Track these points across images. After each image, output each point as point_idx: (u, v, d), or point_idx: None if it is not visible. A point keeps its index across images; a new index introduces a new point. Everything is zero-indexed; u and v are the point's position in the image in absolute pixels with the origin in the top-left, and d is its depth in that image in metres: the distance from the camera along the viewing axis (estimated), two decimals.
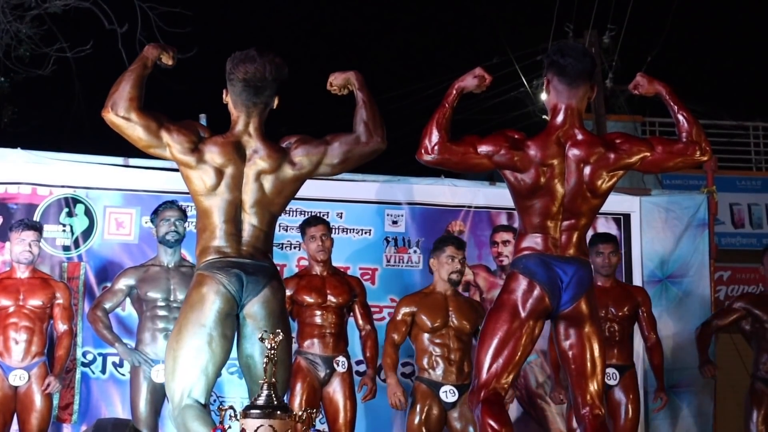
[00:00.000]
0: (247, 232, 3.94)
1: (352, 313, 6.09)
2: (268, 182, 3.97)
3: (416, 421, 5.67)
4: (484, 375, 3.96)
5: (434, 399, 5.69)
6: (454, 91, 4.07)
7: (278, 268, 6.32)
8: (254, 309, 3.85)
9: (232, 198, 3.93)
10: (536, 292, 3.97)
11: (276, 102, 4.05)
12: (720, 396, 6.94)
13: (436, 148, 3.97)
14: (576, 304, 3.99)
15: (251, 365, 3.84)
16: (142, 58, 4.03)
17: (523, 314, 3.97)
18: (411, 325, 5.85)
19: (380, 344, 6.09)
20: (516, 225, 6.79)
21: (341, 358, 5.87)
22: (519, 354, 3.97)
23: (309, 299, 5.87)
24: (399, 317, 5.85)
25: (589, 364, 4.00)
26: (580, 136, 4.04)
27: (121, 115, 3.86)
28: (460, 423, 5.69)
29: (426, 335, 5.79)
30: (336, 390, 5.84)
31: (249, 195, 3.95)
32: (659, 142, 4.10)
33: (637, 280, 7.00)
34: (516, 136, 4.06)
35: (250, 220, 3.94)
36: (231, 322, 3.85)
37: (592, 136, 4.14)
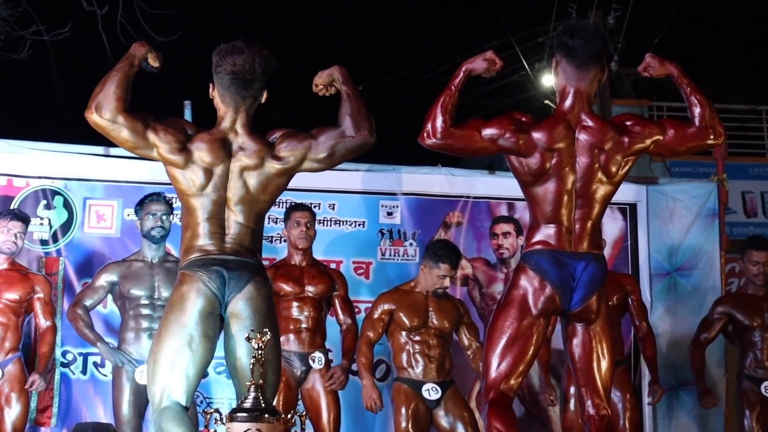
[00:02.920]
0: (231, 229, 3.95)
1: (332, 307, 6.07)
2: (252, 178, 3.97)
3: (404, 424, 5.68)
4: (492, 375, 3.96)
5: (417, 398, 5.71)
6: (462, 74, 4.06)
7: (267, 262, 6.39)
8: (238, 307, 3.86)
9: (217, 197, 3.95)
10: (547, 291, 3.97)
11: (264, 96, 4.07)
12: (731, 393, 6.94)
13: (439, 132, 3.97)
14: (587, 304, 4.00)
15: (238, 366, 3.84)
16: (128, 56, 4.02)
17: (533, 312, 3.97)
18: (388, 323, 5.86)
19: None
20: (516, 216, 6.81)
21: (317, 354, 5.86)
22: (529, 353, 3.97)
23: (286, 288, 5.85)
24: (376, 315, 5.86)
25: (595, 364, 4.00)
26: (589, 121, 4.04)
27: (106, 118, 3.86)
28: (447, 420, 5.72)
29: (404, 332, 5.81)
30: (314, 388, 5.83)
31: (233, 192, 3.96)
32: (672, 125, 4.11)
33: (643, 273, 7.00)
34: (522, 119, 4.06)
35: (235, 217, 3.95)
36: (213, 322, 3.85)
37: (602, 120, 4.14)
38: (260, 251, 4.06)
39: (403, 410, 5.71)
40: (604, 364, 4.02)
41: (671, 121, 4.18)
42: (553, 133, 4.01)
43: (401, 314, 5.80)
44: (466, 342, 5.95)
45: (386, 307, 5.86)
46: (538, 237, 4.04)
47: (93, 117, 3.87)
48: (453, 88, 4.03)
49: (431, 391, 5.72)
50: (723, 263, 7.15)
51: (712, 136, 4.06)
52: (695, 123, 4.07)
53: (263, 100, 4.08)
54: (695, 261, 7.10)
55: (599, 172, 4.01)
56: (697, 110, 4.07)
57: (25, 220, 5.92)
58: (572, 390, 5.85)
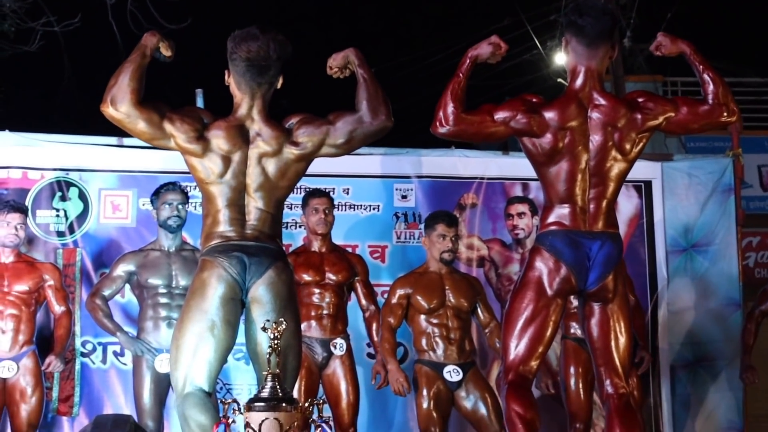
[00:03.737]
0: (252, 215, 3.97)
1: (354, 293, 6.10)
2: (271, 165, 3.99)
3: (425, 405, 5.70)
4: (510, 357, 3.98)
5: (439, 380, 5.74)
6: (468, 60, 4.08)
7: (284, 247, 6.41)
8: (259, 292, 3.88)
9: (237, 183, 3.97)
10: (563, 272, 3.98)
11: (280, 81, 4.07)
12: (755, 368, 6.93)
13: (450, 119, 3.99)
14: (603, 283, 4.00)
15: (258, 352, 3.86)
16: (140, 47, 4.02)
17: (549, 293, 3.98)
18: (407, 307, 5.87)
19: None
20: (531, 196, 6.81)
21: (339, 341, 5.88)
22: (546, 334, 3.99)
23: (306, 277, 5.88)
24: (394, 300, 5.88)
25: (613, 343, 4.01)
26: (601, 99, 4.04)
27: (122, 111, 3.88)
28: (469, 402, 5.74)
29: (423, 316, 5.83)
30: (335, 374, 5.86)
31: (252, 179, 3.98)
32: (684, 102, 4.10)
33: (659, 250, 6.98)
34: (533, 100, 4.07)
35: (255, 203, 3.97)
36: (234, 307, 3.88)
37: (614, 97, 4.15)
38: (280, 237, 4.08)
39: (425, 392, 5.73)
40: (622, 342, 4.02)
41: (684, 98, 4.19)
42: (565, 112, 4.02)
43: (418, 297, 5.82)
44: (483, 319, 5.96)
45: (403, 291, 5.88)
46: (552, 218, 4.05)
47: (109, 110, 3.89)
48: (461, 75, 4.05)
49: (452, 373, 5.74)
50: (739, 238, 7.11)
51: (725, 114, 4.06)
52: (708, 101, 4.06)
53: (279, 86, 4.08)
54: (712, 237, 7.07)
55: (613, 150, 4.02)
56: (710, 88, 4.06)
57: (22, 211, 5.93)
58: (571, 370, 5.84)
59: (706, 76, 4.08)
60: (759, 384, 6.54)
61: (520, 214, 6.68)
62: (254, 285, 3.89)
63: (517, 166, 6.80)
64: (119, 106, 3.87)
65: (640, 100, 4.10)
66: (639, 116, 4.03)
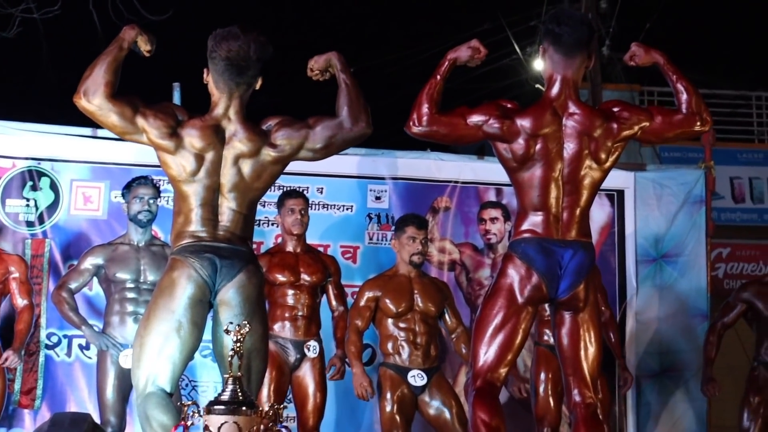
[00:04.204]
0: (224, 216, 3.94)
1: (325, 293, 6.06)
2: (246, 166, 3.95)
3: (388, 408, 5.67)
4: (479, 363, 3.96)
5: (403, 384, 5.71)
6: (447, 62, 4.08)
7: (255, 245, 6.36)
8: (229, 295, 3.85)
9: (211, 182, 3.93)
10: (534, 279, 3.96)
11: (259, 83, 4.04)
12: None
13: (424, 119, 3.99)
14: (574, 292, 3.99)
15: (224, 354, 3.81)
16: (118, 39, 3.97)
17: (520, 300, 3.96)
18: (375, 310, 5.84)
19: None
20: (504, 201, 6.79)
21: (312, 343, 5.85)
22: (516, 342, 3.97)
23: (281, 278, 5.84)
24: (362, 303, 5.85)
25: (583, 352, 3.99)
26: (576, 108, 4.04)
27: (94, 103, 3.84)
28: (432, 407, 5.71)
29: (390, 320, 5.80)
30: (306, 375, 5.82)
31: (227, 179, 3.94)
32: (659, 112, 4.12)
33: (630, 259, 7.01)
34: (508, 105, 4.07)
35: (228, 204, 3.94)
36: (202, 309, 3.85)
37: (590, 107, 4.16)
38: (251, 238, 4.05)
39: (389, 395, 5.70)
40: (592, 352, 4.01)
41: (659, 108, 4.20)
42: (539, 119, 4.01)
43: (387, 300, 5.79)
44: (450, 324, 5.94)
45: (371, 294, 5.84)
46: (525, 225, 4.04)
47: (81, 102, 3.85)
48: (438, 76, 4.05)
49: (417, 378, 5.71)
50: (709, 250, 7.14)
51: (698, 123, 4.08)
52: (682, 110, 4.08)
53: (257, 87, 4.05)
54: (681, 248, 7.10)
55: (588, 159, 4.01)
56: (683, 97, 4.08)
57: None
58: (542, 376, 5.84)
59: (679, 86, 4.10)
60: (725, 395, 6.55)
61: (493, 219, 6.66)
62: (224, 288, 3.85)
63: (491, 171, 6.78)
64: (92, 98, 3.83)
65: (615, 109, 4.10)
66: (614, 125, 4.03)
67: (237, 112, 3.98)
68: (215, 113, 3.98)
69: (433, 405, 5.70)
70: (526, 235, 4.02)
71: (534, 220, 4.01)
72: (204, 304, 3.84)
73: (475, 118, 4.01)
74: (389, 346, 5.79)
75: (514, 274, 3.99)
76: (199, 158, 3.91)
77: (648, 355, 6.79)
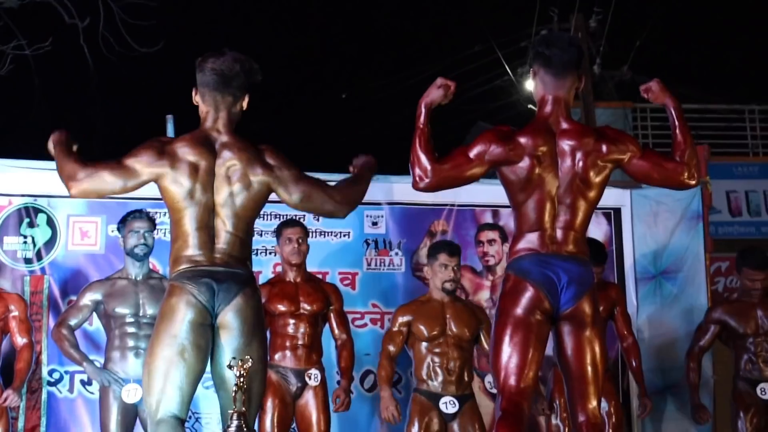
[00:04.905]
0: (221, 238, 3.96)
1: (327, 322, 6.06)
2: (236, 176, 3.99)
3: None
4: (501, 385, 3.94)
5: (434, 411, 5.72)
6: (423, 109, 4.09)
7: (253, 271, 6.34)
8: (227, 318, 3.87)
9: (206, 200, 3.96)
10: (531, 292, 3.94)
11: (245, 101, 4.09)
12: (719, 396, 6.95)
13: (429, 172, 4.00)
14: (577, 304, 3.96)
15: (225, 377, 3.83)
16: (55, 146, 4.13)
17: (522, 315, 3.94)
18: (408, 335, 5.85)
19: (357, 353, 6.11)
20: (501, 223, 6.81)
21: (313, 371, 5.84)
22: (531, 356, 3.92)
23: (281, 308, 5.84)
24: (395, 328, 5.88)
25: (590, 370, 3.96)
26: (569, 126, 4.06)
27: (81, 179, 3.96)
28: None
29: (424, 344, 5.81)
30: (308, 404, 5.81)
31: (221, 195, 3.98)
32: (653, 153, 4.16)
33: (629, 277, 7.00)
34: (503, 129, 4.09)
35: (224, 226, 3.97)
36: (205, 332, 3.86)
37: (582, 125, 4.19)
38: (250, 260, 4.07)
39: (417, 421, 5.72)
40: (599, 371, 3.98)
41: (653, 150, 4.22)
42: (536, 138, 4.03)
43: (419, 324, 5.81)
44: (486, 347, 5.91)
45: (404, 319, 5.87)
46: (521, 245, 4.05)
47: (73, 189, 4.00)
48: (421, 125, 4.07)
49: (448, 405, 5.71)
50: (708, 265, 7.15)
51: (686, 175, 4.08)
52: (676, 158, 4.10)
53: (245, 106, 4.11)
54: (680, 264, 7.10)
55: (578, 178, 4.02)
56: (681, 147, 4.09)
57: None
58: (559, 399, 5.86)
59: (679, 136, 4.11)
60: (729, 411, 6.56)
61: (491, 241, 6.68)
62: (223, 311, 3.87)
63: (487, 193, 6.79)
64: (76, 177, 3.96)
65: (609, 132, 4.14)
66: (604, 146, 4.05)
67: (225, 125, 4.04)
68: (204, 127, 4.06)
69: None
70: (522, 252, 4.02)
71: (530, 239, 4.02)
72: (206, 327, 3.86)
73: (476, 151, 4.02)
74: (423, 372, 5.80)
75: (512, 292, 3.98)
76: (194, 170, 3.95)
77: (651, 372, 6.77)
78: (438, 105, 4.13)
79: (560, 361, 4.06)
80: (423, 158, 4.00)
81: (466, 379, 5.79)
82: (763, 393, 6.19)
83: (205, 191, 3.95)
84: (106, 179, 3.95)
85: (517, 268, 4.01)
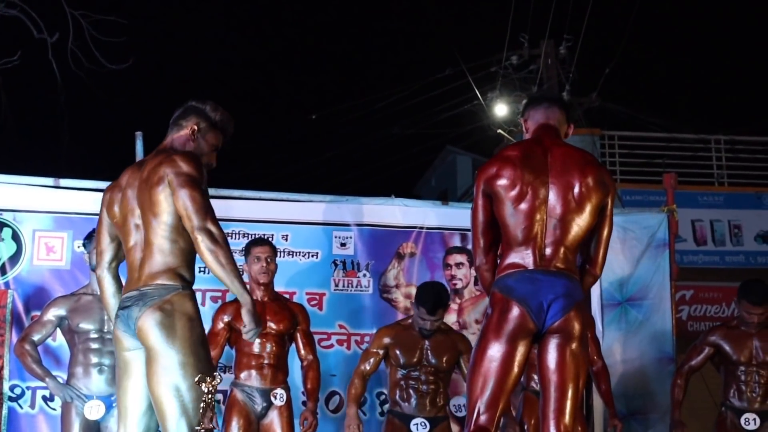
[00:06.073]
0: (136, 255, 4.02)
1: (294, 342, 6.05)
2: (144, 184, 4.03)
3: None
4: (472, 407, 3.94)
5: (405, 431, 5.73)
6: None
7: (220, 293, 6.36)
8: (134, 348, 3.95)
9: (133, 221, 4.06)
10: (515, 311, 3.94)
11: (192, 128, 4.17)
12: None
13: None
14: (565, 318, 3.94)
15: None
16: None
17: (504, 337, 3.93)
18: (385, 357, 5.88)
19: (323, 374, 6.10)
20: (469, 246, 6.83)
21: (279, 391, 5.83)
22: (505, 381, 3.92)
23: None
24: (373, 348, 5.93)
25: (570, 385, 3.94)
26: (561, 148, 4.13)
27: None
28: None
29: (399, 370, 5.82)
30: (273, 423, 5.80)
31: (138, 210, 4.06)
32: (608, 232, 4.20)
33: (595, 303, 7.04)
34: (493, 169, 4.12)
35: (140, 241, 4.02)
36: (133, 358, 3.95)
37: (575, 148, 4.22)
38: (172, 271, 3.96)
39: None
40: (578, 386, 3.97)
41: (610, 227, 4.23)
42: (526, 159, 4.08)
43: (397, 350, 5.86)
44: (465, 374, 5.92)
45: (383, 341, 5.92)
46: (508, 261, 4.06)
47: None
48: None
49: (419, 426, 5.74)
50: (673, 293, 7.21)
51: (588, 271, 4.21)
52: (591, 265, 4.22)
53: (190, 131, 4.16)
54: (646, 291, 7.15)
55: (571, 198, 4.03)
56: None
57: None
58: (528, 423, 5.86)
59: None
60: None
61: (458, 264, 6.71)
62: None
63: (455, 216, 6.84)
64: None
65: (603, 172, 4.17)
66: (594, 180, 4.08)
67: (165, 145, 4.18)
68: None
69: None
70: (509, 270, 4.03)
71: (517, 256, 4.03)
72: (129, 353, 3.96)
73: (482, 207, 4.16)
74: (396, 394, 5.84)
75: (495, 311, 3.98)
76: (125, 196, 4.07)
77: (615, 398, 6.80)
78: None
79: (541, 374, 4.02)
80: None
81: (439, 402, 5.82)
82: (747, 424, 6.18)
83: (132, 215, 4.05)
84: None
85: (502, 285, 4.01)
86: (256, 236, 6.40)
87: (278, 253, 6.31)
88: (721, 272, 12.69)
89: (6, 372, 6.14)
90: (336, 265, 6.89)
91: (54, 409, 6.14)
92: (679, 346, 7.04)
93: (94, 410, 5.50)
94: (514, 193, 4.04)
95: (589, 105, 14.30)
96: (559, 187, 4.04)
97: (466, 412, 4.04)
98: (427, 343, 5.83)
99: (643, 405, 6.96)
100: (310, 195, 6.93)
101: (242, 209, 6.80)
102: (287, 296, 6.40)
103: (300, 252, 6.84)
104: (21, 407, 6.23)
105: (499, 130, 13.55)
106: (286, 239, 6.80)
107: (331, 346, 6.69)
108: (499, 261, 4.14)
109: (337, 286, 6.85)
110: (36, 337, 5.75)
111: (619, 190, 13.41)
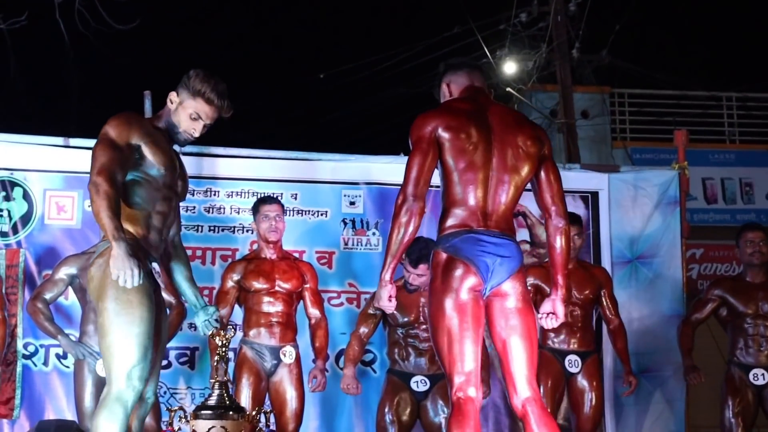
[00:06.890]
0: None
1: (302, 300, 6.07)
2: None
3: (386, 411, 5.74)
4: (448, 374, 3.91)
5: (406, 390, 5.76)
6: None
7: (230, 252, 6.41)
8: None
9: None
10: (463, 269, 3.91)
11: (170, 98, 4.22)
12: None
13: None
14: (510, 279, 3.96)
15: None
16: None
17: (456, 297, 3.90)
18: (382, 318, 5.89)
19: (332, 332, 6.13)
20: None
21: (288, 348, 5.86)
22: (471, 338, 3.89)
23: (257, 284, 5.85)
24: (370, 310, 5.90)
25: (527, 345, 3.95)
26: (498, 108, 4.14)
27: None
28: (430, 413, 5.75)
29: (397, 329, 5.83)
30: (282, 381, 5.83)
31: None
32: (553, 179, 4.14)
33: (605, 261, 7.04)
34: (431, 123, 4.04)
35: None
36: None
37: (511, 109, 4.29)
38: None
39: (388, 400, 5.77)
40: (533, 344, 3.98)
41: (556, 180, 4.17)
42: (474, 115, 4.05)
43: (395, 311, 5.79)
44: None
45: None
46: (451, 221, 4.01)
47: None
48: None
49: (420, 383, 5.76)
50: (684, 251, 7.21)
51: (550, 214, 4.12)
52: (550, 205, 4.14)
53: (168, 100, 4.21)
54: (656, 249, 7.16)
55: (513, 159, 4.02)
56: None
57: None
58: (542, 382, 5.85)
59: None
60: (701, 396, 6.60)
61: None
62: None
63: None
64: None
65: (537, 128, 4.21)
66: (532, 135, 4.09)
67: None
68: None
69: (433, 411, 5.74)
70: (454, 229, 3.98)
71: (462, 215, 3.99)
72: None
73: (431, 154, 4.00)
74: (395, 353, 5.84)
75: (447, 271, 3.93)
76: None
77: None
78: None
79: (495, 336, 4.02)
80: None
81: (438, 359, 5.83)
82: (756, 379, 6.21)
83: None
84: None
85: (448, 245, 3.97)
86: (265, 195, 6.42)
87: (287, 212, 6.33)
88: (732, 231, 12.60)
89: (20, 330, 6.20)
90: (345, 223, 6.91)
91: (67, 367, 6.21)
92: (690, 304, 7.04)
93: None
94: (464, 147, 3.98)
95: (599, 63, 14.21)
96: (501, 146, 4.02)
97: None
98: (423, 300, 5.83)
99: (654, 363, 6.98)
100: (319, 154, 6.94)
101: (251, 168, 6.82)
102: (297, 255, 6.42)
103: (309, 211, 6.86)
104: (35, 365, 6.30)
105: (508, 88, 13.52)
106: (296, 198, 6.82)
107: (341, 304, 6.72)
108: (439, 221, 4.08)
109: (346, 244, 6.88)
110: (48, 296, 5.80)
111: (630, 148, 13.42)
